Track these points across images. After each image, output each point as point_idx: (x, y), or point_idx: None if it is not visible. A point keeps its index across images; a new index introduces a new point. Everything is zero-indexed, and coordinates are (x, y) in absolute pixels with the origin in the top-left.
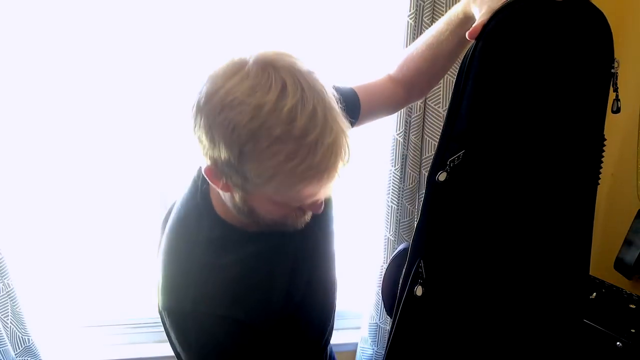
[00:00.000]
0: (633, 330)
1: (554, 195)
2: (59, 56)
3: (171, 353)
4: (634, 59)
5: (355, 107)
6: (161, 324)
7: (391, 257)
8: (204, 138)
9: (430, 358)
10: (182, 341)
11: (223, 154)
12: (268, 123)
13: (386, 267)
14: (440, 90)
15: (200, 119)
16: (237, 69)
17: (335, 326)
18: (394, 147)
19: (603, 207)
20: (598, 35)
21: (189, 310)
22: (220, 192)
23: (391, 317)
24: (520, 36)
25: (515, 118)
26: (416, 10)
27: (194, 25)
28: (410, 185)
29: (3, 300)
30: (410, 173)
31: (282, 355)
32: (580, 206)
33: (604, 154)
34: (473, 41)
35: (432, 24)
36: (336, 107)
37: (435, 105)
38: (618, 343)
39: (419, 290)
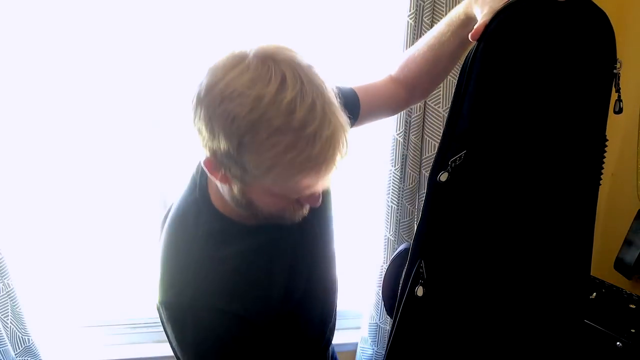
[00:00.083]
0: (633, 330)
1: (556, 195)
2: (59, 56)
3: (171, 353)
4: (634, 59)
5: (355, 107)
6: (160, 324)
7: (391, 258)
8: (203, 129)
9: (430, 358)
10: (179, 336)
11: (222, 145)
12: (268, 114)
13: (386, 268)
14: (440, 91)
15: (200, 111)
16: (238, 62)
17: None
18: (394, 147)
19: (603, 207)
20: (600, 36)
21: (187, 304)
22: (219, 184)
23: (391, 318)
24: (522, 36)
25: (517, 118)
26: (416, 10)
27: (194, 26)
28: (410, 185)
29: (3, 300)
30: (410, 173)
31: (281, 353)
32: (582, 207)
33: (605, 154)
34: (475, 42)
35: (432, 24)
36: (335, 101)
37: (435, 105)
38: (618, 343)
39: (419, 291)
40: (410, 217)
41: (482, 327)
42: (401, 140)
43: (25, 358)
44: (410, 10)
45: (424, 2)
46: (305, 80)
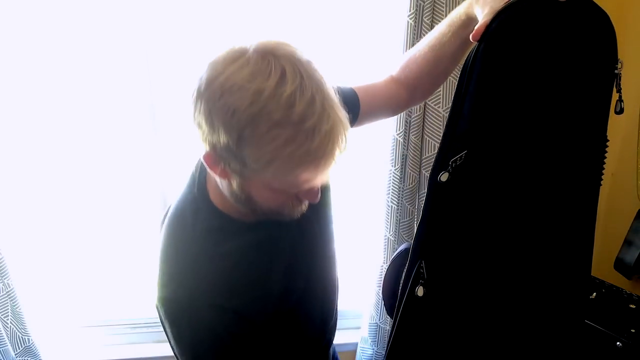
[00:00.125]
0: (633, 330)
1: (557, 196)
2: (58, 55)
3: (171, 353)
4: (634, 59)
5: (354, 106)
6: (160, 324)
7: (392, 258)
8: (203, 123)
9: (431, 358)
10: (176, 334)
11: (222, 139)
12: (267, 108)
13: (387, 268)
14: (440, 91)
15: (201, 105)
16: (238, 56)
17: None
18: (394, 147)
19: (603, 207)
20: (601, 36)
21: (186, 301)
22: (218, 180)
23: (392, 318)
24: (523, 36)
25: (518, 118)
26: (416, 10)
27: (194, 25)
28: (410, 185)
29: (3, 300)
30: (410, 173)
31: (280, 352)
32: (583, 207)
33: (606, 154)
34: (476, 43)
35: (432, 24)
36: (334, 96)
37: (435, 105)
38: (618, 343)
39: (420, 291)
40: (410, 217)
41: (483, 328)
42: (401, 140)
43: (25, 358)
44: (410, 10)
45: (424, 2)
46: (305, 75)
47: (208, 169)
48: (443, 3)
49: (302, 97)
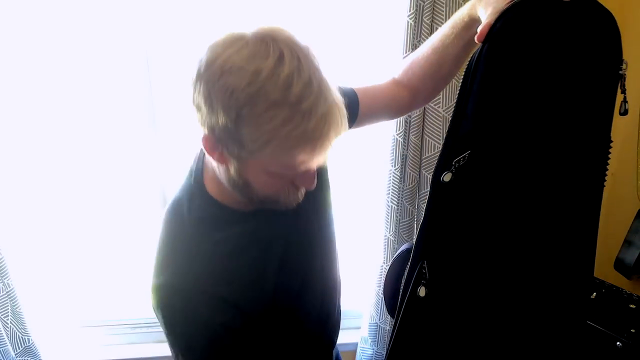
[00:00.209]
0: (633, 330)
1: (560, 197)
2: (59, 55)
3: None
4: (635, 58)
5: (354, 107)
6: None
7: (393, 258)
8: (202, 105)
9: (432, 358)
10: (169, 320)
11: (221, 120)
12: (265, 88)
13: (388, 268)
14: (441, 91)
15: (200, 86)
16: (237, 39)
17: None
18: (394, 147)
19: (603, 207)
20: (606, 36)
21: (178, 287)
22: (216, 167)
23: (393, 318)
24: (527, 37)
25: (522, 119)
26: (416, 10)
27: (193, 24)
28: (410, 185)
29: (3, 300)
30: (410, 173)
31: (275, 349)
32: (586, 208)
33: (609, 155)
34: (479, 44)
35: (432, 24)
36: (331, 80)
37: (435, 105)
38: (618, 343)
39: (422, 291)
40: (410, 217)
41: (484, 328)
42: (401, 140)
43: (25, 358)
44: (410, 10)
45: (424, 2)
46: (302, 58)
47: (206, 154)
48: (443, 3)
49: (299, 78)
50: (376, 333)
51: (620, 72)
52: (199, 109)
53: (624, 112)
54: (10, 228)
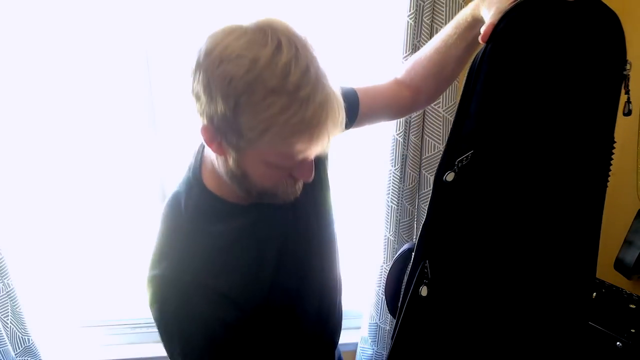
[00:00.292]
0: (633, 330)
1: (563, 197)
2: (58, 53)
3: None
4: (635, 58)
5: (354, 106)
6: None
7: (395, 258)
8: (202, 93)
9: (434, 358)
10: (162, 316)
11: (220, 108)
12: (263, 76)
13: (389, 268)
14: None
15: (199, 75)
16: (236, 28)
17: None
18: (394, 147)
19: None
20: (610, 36)
21: (174, 278)
22: (215, 159)
23: (394, 318)
24: (530, 36)
25: (525, 119)
26: (416, 10)
27: (193, 24)
28: (410, 185)
29: (3, 300)
30: (410, 173)
31: (272, 347)
32: (589, 209)
33: (612, 156)
34: (483, 44)
35: (432, 24)
36: (328, 71)
37: (435, 105)
38: (618, 343)
39: (424, 291)
40: (410, 217)
41: (486, 328)
42: (401, 140)
43: (25, 358)
44: (410, 10)
45: (424, 2)
46: (300, 47)
47: (205, 147)
48: (443, 3)
49: (297, 66)
50: (376, 333)
51: (624, 72)
52: (198, 98)
53: (628, 113)
54: (10, 228)
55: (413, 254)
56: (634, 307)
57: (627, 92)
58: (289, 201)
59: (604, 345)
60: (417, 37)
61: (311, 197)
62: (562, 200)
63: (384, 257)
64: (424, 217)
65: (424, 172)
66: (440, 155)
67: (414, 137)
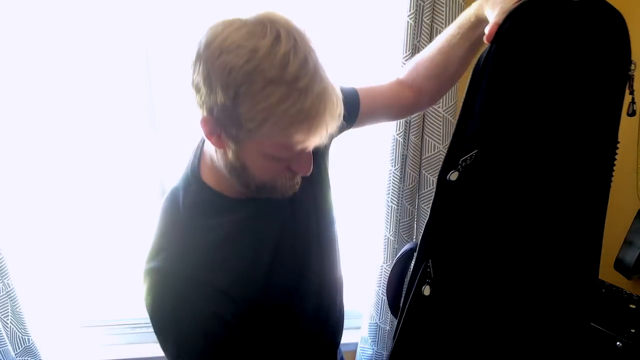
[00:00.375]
0: (633, 330)
1: (566, 197)
2: (58, 53)
3: None
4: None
5: (354, 106)
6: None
7: (396, 257)
8: (202, 85)
9: (436, 357)
10: (158, 310)
11: (219, 98)
12: (262, 66)
13: (391, 267)
14: None
15: (200, 66)
16: (235, 20)
17: None
18: (394, 147)
19: None
20: (615, 36)
21: (170, 271)
22: (214, 153)
23: (396, 317)
24: (535, 36)
25: (530, 118)
26: (416, 10)
27: (193, 24)
28: (410, 185)
29: (3, 300)
30: (410, 173)
31: (269, 344)
32: (592, 209)
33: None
34: (487, 44)
35: (432, 24)
36: (326, 63)
37: (435, 105)
38: (618, 343)
39: (426, 290)
40: (410, 217)
41: (488, 327)
42: (401, 140)
43: (25, 358)
44: (410, 10)
45: (424, 2)
46: (299, 39)
47: (205, 143)
48: (443, 3)
49: (295, 57)
50: (376, 333)
51: (629, 72)
52: (198, 90)
53: (632, 113)
54: (10, 228)
55: (415, 253)
56: (634, 307)
57: (632, 93)
58: (288, 196)
59: (604, 345)
60: (417, 37)
61: (311, 195)
62: (566, 201)
63: (384, 257)
64: (425, 217)
65: (424, 172)
66: (441, 155)
67: (414, 137)
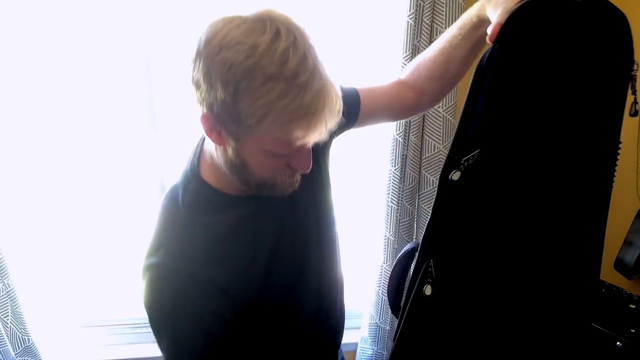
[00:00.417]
0: (633, 330)
1: (568, 197)
2: (58, 53)
3: None
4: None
5: (355, 105)
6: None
7: (397, 257)
8: (202, 81)
9: (437, 357)
10: (152, 304)
11: (219, 95)
12: (262, 62)
13: (392, 267)
14: None
15: (199, 63)
16: (235, 17)
17: None
18: (394, 147)
19: None
20: (618, 37)
21: (169, 267)
22: (214, 151)
23: (396, 317)
24: (538, 36)
25: (532, 119)
26: (416, 10)
27: (193, 24)
28: (410, 185)
29: (3, 300)
30: (410, 173)
31: (274, 348)
32: (594, 209)
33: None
34: (489, 45)
35: (432, 24)
36: (325, 60)
37: (435, 105)
38: (618, 343)
39: (427, 290)
40: (410, 217)
41: (490, 327)
42: (401, 140)
43: (25, 358)
44: (410, 10)
45: (424, 2)
46: (298, 36)
47: (204, 140)
48: (443, 3)
49: (294, 54)
50: (376, 333)
51: (632, 72)
52: (198, 86)
53: (635, 114)
54: (10, 228)
55: (417, 253)
56: (634, 307)
57: (634, 93)
58: (287, 194)
59: (604, 345)
60: (417, 37)
61: (310, 194)
62: (568, 201)
63: (384, 257)
64: (425, 217)
65: (424, 172)
66: (441, 156)
67: (414, 137)
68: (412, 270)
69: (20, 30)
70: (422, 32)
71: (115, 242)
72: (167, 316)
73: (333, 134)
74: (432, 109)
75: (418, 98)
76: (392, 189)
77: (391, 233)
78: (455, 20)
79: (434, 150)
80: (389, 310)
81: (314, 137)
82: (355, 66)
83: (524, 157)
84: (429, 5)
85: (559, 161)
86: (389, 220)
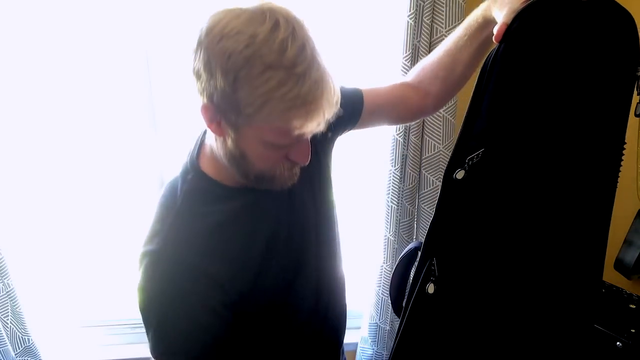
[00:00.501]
0: (633, 330)
1: (572, 197)
2: (58, 53)
3: None
4: None
5: (358, 104)
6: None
7: (400, 256)
8: (202, 71)
9: (439, 356)
10: (150, 297)
11: (219, 84)
12: (261, 51)
13: (395, 266)
14: None
15: (200, 52)
16: (236, 8)
17: None
18: (394, 147)
19: None
20: (624, 37)
21: (163, 255)
22: (214, 142)
23: (398, 316)
24: (544, 36)
25: (537, 118)
26: (416, 10)
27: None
28: (410, 185)
29: (3, 300)
30: (410, 173)
31: (274, 346)
32: (598, 209)
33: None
34: (494, 45)
35: (432, 24)
36: (324, 52)
37: (439, 110)
38: (618, 343)
39: (430, 288)
40: (410, 217)
41: (493, 326)
42: (401, 140)
43: (25, 358)
44: (410, 10)
45: (424, 2)
46: (297, 27)
47: (205, 133)
48: (443, 3)
49: (293, 43)
50: (376, 333)
51: (638, 73)
52: (198, 76)
53: None
54: (10, 228)
55: (420, 251)
56: (634, 307)
57: (639, 94)
58: (286, 187)
59: (604, 345)
60: (417, 37)
61: (310, 192)
62: (572, 201)
63: (384, 257)
64: (425, 217)
65: (424, 172)
66: (441, 155)
67: (414, 137)
68: (414, 269)
69: (21, 31)
70: (422, 32)
71: (115, 242)
72: (157, 300)
73: (335, 133)
74: None
75: (422, 100)
76: (392, 189)
77: (391, 233)
78: (455, 20)
79: (434, 150)
80: (389, 310)
81: (312, 126)
82: (355, 66)
83: (528, 156)
84: (429, 5)
85: (563, 161)
86: (389, 220)
